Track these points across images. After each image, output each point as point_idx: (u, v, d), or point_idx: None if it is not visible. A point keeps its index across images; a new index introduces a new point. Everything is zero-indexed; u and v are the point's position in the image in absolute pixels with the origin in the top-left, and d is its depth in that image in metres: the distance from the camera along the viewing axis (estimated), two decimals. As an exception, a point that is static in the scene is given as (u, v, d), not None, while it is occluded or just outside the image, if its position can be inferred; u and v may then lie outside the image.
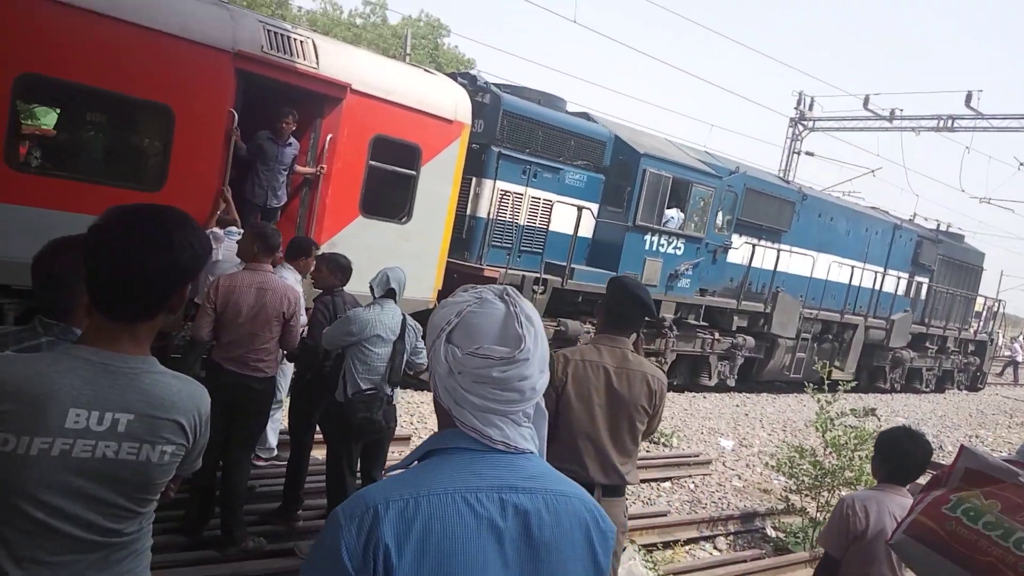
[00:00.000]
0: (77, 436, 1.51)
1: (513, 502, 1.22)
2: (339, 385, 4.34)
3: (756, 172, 13.56)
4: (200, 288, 4.92)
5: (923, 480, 2.71)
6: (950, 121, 20.27)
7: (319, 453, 5.06)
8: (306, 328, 4.76)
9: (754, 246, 12.75)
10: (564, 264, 9.93)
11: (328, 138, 7.53)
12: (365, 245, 7.58)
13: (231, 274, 4.35)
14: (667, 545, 6.17)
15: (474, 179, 9.45)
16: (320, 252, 5.39)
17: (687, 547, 6.37)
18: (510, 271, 9.47)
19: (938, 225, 19.24)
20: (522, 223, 9.88)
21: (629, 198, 10.70)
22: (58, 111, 7.52)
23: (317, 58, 7.30)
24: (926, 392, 18.48)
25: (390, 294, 4.49)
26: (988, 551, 2.04)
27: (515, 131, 9.68)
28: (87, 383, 1.53)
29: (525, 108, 9.87)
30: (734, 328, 13.01)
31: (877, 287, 15.54)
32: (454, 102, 8.52)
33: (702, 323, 12.47)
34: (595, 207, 10.67)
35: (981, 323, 21.30)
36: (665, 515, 6.80)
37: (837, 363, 15.23)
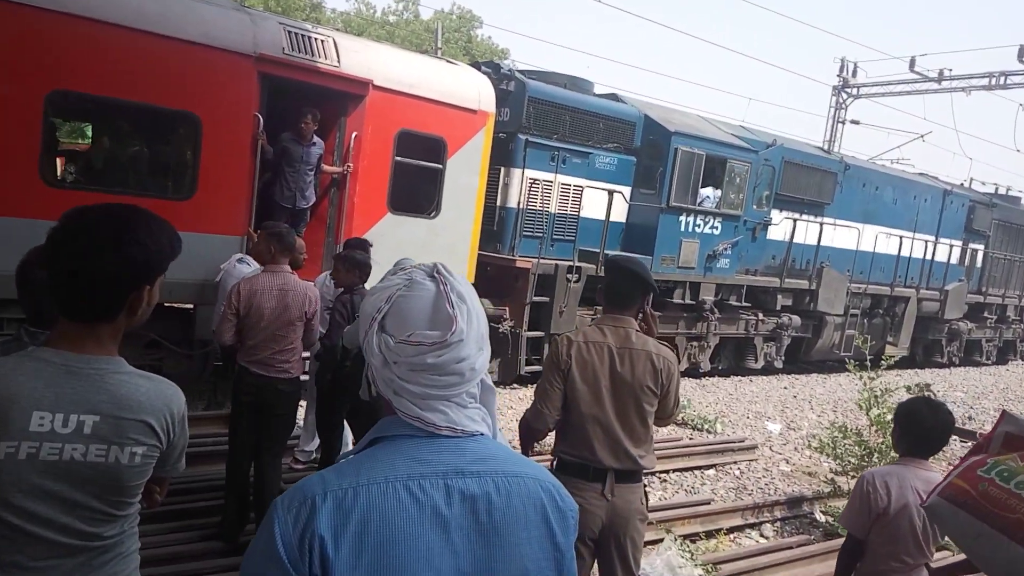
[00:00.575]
0: (42, 439, 1.51)
1: (459, 487, 1.18)
2: (363, 384, 4.34)
3: (794, 144, 13.17)
4: (220, 297, 4.99)
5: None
6: (1002, 78, 19.35)
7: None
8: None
9: (795, 221, 12.40)
10: (598, 251, 9.80)
11: (353, 136, 7.55)
12: (395, 242, 7.60)
13: (251, 278, 4.38)
14: (710, 535, 6.05)
15: (502, 169, 9.38)
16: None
17: (731, 535, 6.23)
18: (543, 260, 9.39)
19: (996, 189, 18.47)
20: (553, 211, 9.77)
21: (662, 179, 10.49)
22: (89, 126, 7.69)
23: (338, 56, 7.32)
24: (987, 364, 17.81)
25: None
26: (1016, 508, 2.07)
27: (542, 117, 9.57)
28: (49, 385, 1.53)
29: (551, 93, 9.74)
30: (778, 308, 12.68)
31: (928, 257, 14.98)
32: (477, 92, 8.46)
33: (744, 304, 12.18)
34: (627, 190, 10.50)
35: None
36: (708, 503, 6.67)
37: (890, 338, 14.79)
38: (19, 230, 5.56)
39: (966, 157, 43.63)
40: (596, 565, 3.24)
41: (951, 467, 2.41)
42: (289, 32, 7.09)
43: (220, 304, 5.08)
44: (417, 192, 8.28)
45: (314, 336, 4.48)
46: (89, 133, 7.66)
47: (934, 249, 15.18)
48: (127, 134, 7.29)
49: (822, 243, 12.90)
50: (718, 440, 8.48)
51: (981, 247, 17.12)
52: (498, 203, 9.46)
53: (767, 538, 6.33)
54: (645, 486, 3.23)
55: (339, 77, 7.32)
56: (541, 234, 9.63)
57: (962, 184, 17.83)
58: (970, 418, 11.58)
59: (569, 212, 9.95)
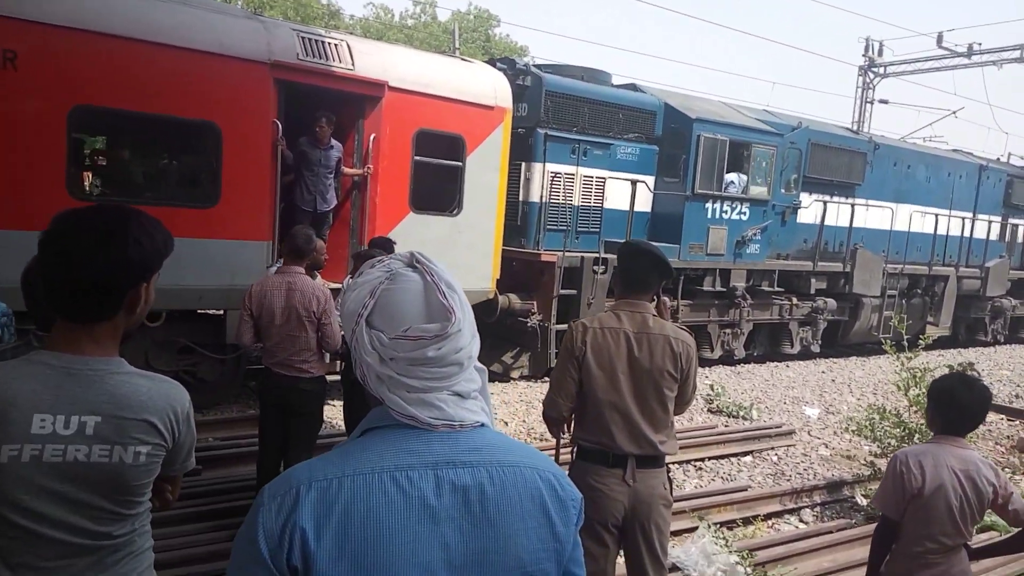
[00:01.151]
0: (45, 441, 1.51)
1: (450, 478, 1.14)
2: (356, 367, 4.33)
3: (821, 126, 12.92)
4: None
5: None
6: (1034, 49, 18.82)
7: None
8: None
9: (825, 203, 12.17)
10: (623, 241, 9.72)
11: (371, 138, 7.58)
12: (419, 241, 7.61)
13: (263, 279, 4.42)
14: (747, 521, 5.95)
15: (523, 164, 9.35)
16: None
17: (770, 521, 6.12)
18: (568, 253, 9.33)
19: (1035, 162, 17.94)
20: (576, 204, 9.71)
21: (685, 166, 10.36)
22: (112, 139, 7.84)
23: (352, 59, 7.35)
24: (1033, 341, 17.28)
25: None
26: None
27: (560, 111, 9.52)
28: (49, 388, 1.53)
29: (568, 86, 9.68)
30: (813, 291, 12.45)
31: (967, 234, 14.61)
32: (493, 88, 8.44)
33: (777, 289, 11.99)
34: (650, 180, 10.39)
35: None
36: (745, 490, 6.56)
37: (930, 318, 14.45)
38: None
39: (1002, 131, 42.38)
40: (623, 554, 3.19)
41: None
42: (303, 38, 7.14)
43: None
44: (438, 190, 8.28)
45: (332, 339, 4.39)
46: (113, 146, 7.80)
47: (972, 226, 14.79)
48: (150, 145, 7.42)
49: (855, 224, 12.64)
50: (754, 427, 8.34)
51: (1022, 222, 16.63)
52: (520, 198, 9.43)
53: (806, 523, 6.20)
54: (668, 471, 3.16)
55: (354, 80, 7.35)
56: (565, 227, 9.58)
57: (998, 159, 17.33)
58: (1017, 396, 11.23)
59: (592, 204, 9.88)
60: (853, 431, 7.54)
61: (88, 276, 1.54)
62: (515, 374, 9.74)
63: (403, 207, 7.92)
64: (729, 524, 5.80)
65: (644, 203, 10.33)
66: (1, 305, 2.80)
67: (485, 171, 8.41)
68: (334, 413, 7.08)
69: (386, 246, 5.37)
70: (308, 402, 4.39)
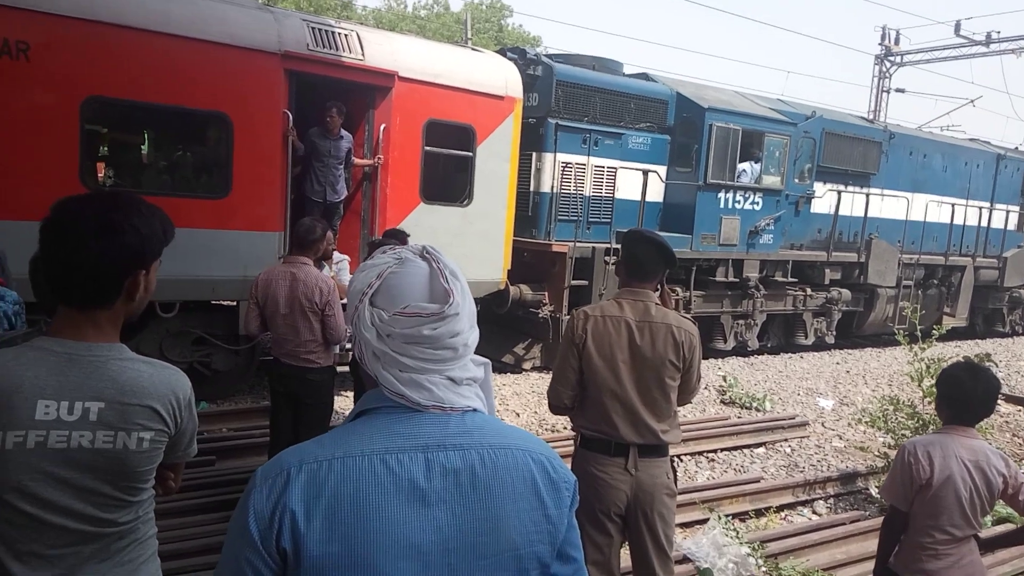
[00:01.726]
0: (49, 427, 1.52)
1: (440, 461, 1.15)
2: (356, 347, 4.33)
3: (835, 115, 12.78)
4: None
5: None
6: (1056, 36, 18.54)
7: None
8: None
9: (840, 193, 12.04)
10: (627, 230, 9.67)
11: (382, 128, 7.57)
12: (429, 231, 7.61)
13: (269, 268, 4.43)
14: (760, 513, 5.92)
15: (534, 154, 9.31)
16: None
17: (782, 513, 6.09)
18: (579, 244, 9.30)
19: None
20: (587, 194, 9.67)
21: (698, 156, 10.29)
22: (125, 130, 7.87)
23: (362, 49, 7.34)
24: (1053, 332, 17.07)
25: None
26: None
27: (571, 100, 9.47)
28: (52, 374, 1.53)
29: (579, 76, 9.63)
30: (827, 282, 12.34)
31: (984, 224, 14.41)
32: (504, 78, 8.41)
33: (791, 279, 11.90)
34: (662, 169, 10.33)
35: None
36: (757, 482, 6.52)
37: (947, 309, 14.30)
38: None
39: (1020, 120, 41.85)
40: (628, 545, 3.18)
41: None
42: (313, 28, 7.13)
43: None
44: (449, 181, 8.27)
45: (335, 331, 4.36)
46: (125, 137, 7.83)
47: (989, 216, 14.60)
48: (161, 136, 7.44)
49: (870, 214, 12.50)
50: (767, 418, 8.29)
51: (1041, 211, 16.41)
52: (531, 188, 9.41)
53: (819, 515, 6.16)
54: (672, 460, 3.14)
55: (364, 70, 7.34)
56: (576, 217, 9.54)
57: (1016, 148, 17.08)
58: (1035, 388, 11.10)
59: (604, 194, 9.84)
60: (867, 423, 7.47)
61: (86, 262, 1.54)
62: (527, 365, 9.73)
63: (414, 197, 7.91)
64: (741, 516, 5.77)
65: (656, 193, 10.27)
66: (12, 294, 2.82)
67: (496, 161, 8.39)
68: (348, 404, 7.11)
69: (400, 237, 5.38)
70: (315, 392, 4.40)
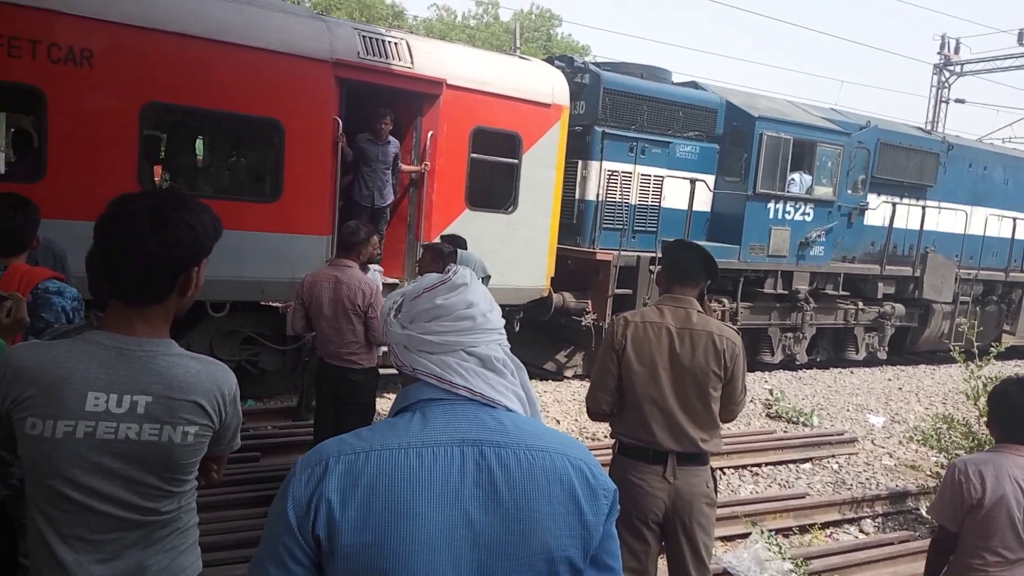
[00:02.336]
0: (98, 419, 1.56)
1: (475, 457, 1.16)
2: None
3: (890, 125, 12.47)
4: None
5: None
6: None
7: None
8: None
9: (895, 205, 11.72)
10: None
11: (429, 135, 7.66)
12: (474, 237, 7.61)
13: (315, 271, 4.52)
14: (804, 529, 5.78)
15: (580, 162, 9.30)
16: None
17: (828, 531, 5.94)
18: (624, 252, 9.24)
19: None
20: (633, 202, 9.60)
21: (747, 165, 10.14)
22: (181, 134, 8.12)
23: (412, 58, 7.44)
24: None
25: (485, 281, 4.49)
26: None
27: (618, 108, 9.43)
28: (103, 367, 1.58)
29: (627, 84, 9.59)
30: (880, 296, 12.01)
31: (1048, 239, 13.89)
32: (551, 86, 8.43)
33: (843, 293, 11.62)
34: (710, 179, 10.21)
35: None
36: (802, 497, 6.38)
37: (1007, 326, 13.79)
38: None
39: (1090, 132, 40.18)
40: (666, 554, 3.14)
41: None
42: (364, 36, 7.26)
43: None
44: (494, 188, 8.32)
45: (378, 333, 4.39)
46: (181, 141, 8.08)
47: (1054, 230, 14.05)
48: (215, 141, 7.65)
49: (926, 227, 12.15)
50: (814, 433, 8.11)
51: (1111, 226, 15.71)
52: (577, 196, 9.39)
53: (867, 534, 5.99)
54: (713, 470, 3.09)
55: (413, 78, 7.44)
56: (622, 226, 9.48)
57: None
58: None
59: (650, 203, 9.76)
60: (919, 441, 7.24)
61: (142, 258, 1.58)
62: (569, 373, 9.70)
63: (459, 204, 7.98)
64: (785, 532, 5.65)
65: (703, 202, 10.15)
66: (72, 291, 2.92)
67: (541, 169, 8.41)
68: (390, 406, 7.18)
69: (456, 242, 5.46)
70: (358, 392, 4.46)
